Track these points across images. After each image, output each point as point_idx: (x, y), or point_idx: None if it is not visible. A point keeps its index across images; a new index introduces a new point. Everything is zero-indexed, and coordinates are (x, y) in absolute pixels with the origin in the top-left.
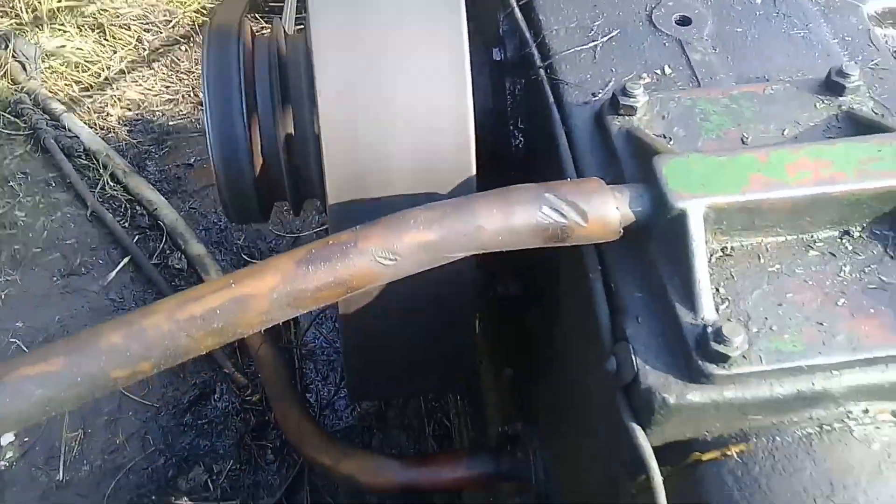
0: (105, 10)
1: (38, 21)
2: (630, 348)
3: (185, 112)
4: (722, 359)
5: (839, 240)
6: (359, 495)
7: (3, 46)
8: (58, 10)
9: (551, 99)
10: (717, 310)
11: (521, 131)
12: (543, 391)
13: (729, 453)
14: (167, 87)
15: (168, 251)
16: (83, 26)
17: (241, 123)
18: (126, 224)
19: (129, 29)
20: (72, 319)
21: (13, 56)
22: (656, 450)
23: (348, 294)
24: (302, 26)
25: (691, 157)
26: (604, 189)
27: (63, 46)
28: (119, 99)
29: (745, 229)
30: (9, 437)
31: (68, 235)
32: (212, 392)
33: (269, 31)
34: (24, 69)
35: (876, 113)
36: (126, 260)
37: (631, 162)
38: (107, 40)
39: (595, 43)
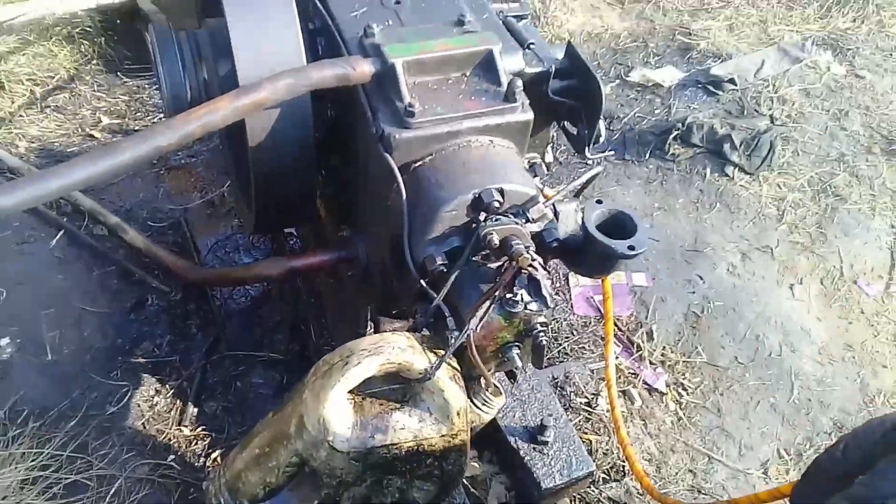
0: (3, 71)
1: None
2: (380, 122)
3: (77, 142)
4: (413, 115)
5: (462, 76)
6: (264, 331)
7: None
8: None
9: (339, 40)
10: (413, 103)
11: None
12: (357, 203)
13: (426, 160)
14: (59, 125)
15: (91, 226)
16: None
17: (181, 76)
18: (54, 212)
19: (23, 83)
20: (31, 269)
21: None
22: (399, 168)
23: (259, 109)
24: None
25: (396, 44)
26: (362, 59)
27: None
28: (23, 135)
29: (422, 73)
30: (5, 339)
31: (13, 221)
32: (145, 300)
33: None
34: None
35: (480, 32)
36: (62, 232)
37: (374, 53)
38: (5, 93)
39: (355, 13)
